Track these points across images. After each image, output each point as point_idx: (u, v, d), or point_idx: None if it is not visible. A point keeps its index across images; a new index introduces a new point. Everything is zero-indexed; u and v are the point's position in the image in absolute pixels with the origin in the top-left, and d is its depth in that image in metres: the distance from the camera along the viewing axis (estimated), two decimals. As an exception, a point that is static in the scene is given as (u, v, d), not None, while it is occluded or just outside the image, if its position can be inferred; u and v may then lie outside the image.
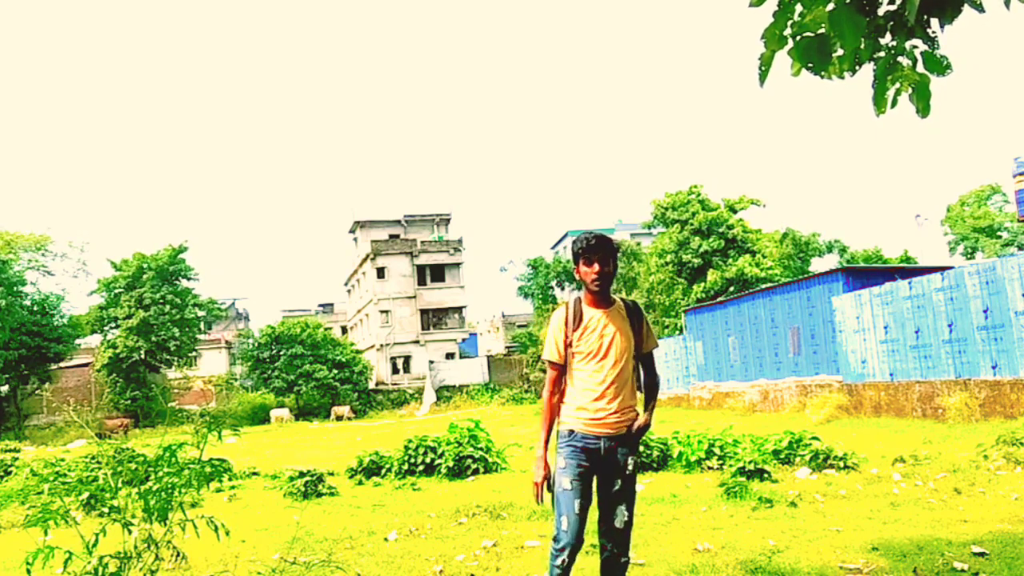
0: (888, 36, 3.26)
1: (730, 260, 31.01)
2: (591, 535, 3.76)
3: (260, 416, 39.05)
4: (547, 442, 3.81)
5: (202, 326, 44.14)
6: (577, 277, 3.81)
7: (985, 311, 13.67)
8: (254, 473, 11.78)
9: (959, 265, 18.07)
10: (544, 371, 4.02)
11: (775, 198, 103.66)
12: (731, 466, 8.77)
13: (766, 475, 8.46)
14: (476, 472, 10.29)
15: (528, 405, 33.95)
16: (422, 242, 51.80)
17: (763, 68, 3.36)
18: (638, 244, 45.54)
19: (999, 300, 13.36)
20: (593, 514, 3.72)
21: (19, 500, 9.14)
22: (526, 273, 54.54)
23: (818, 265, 40.88)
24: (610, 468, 3.70)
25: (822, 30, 3.21)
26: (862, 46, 3.26)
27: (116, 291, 38.91)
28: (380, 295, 50.20)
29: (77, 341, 39.25)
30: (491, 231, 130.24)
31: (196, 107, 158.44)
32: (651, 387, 3.88)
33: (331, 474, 10.60)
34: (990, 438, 9.36)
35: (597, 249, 3.70)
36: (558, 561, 3.62)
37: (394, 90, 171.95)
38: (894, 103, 3.33)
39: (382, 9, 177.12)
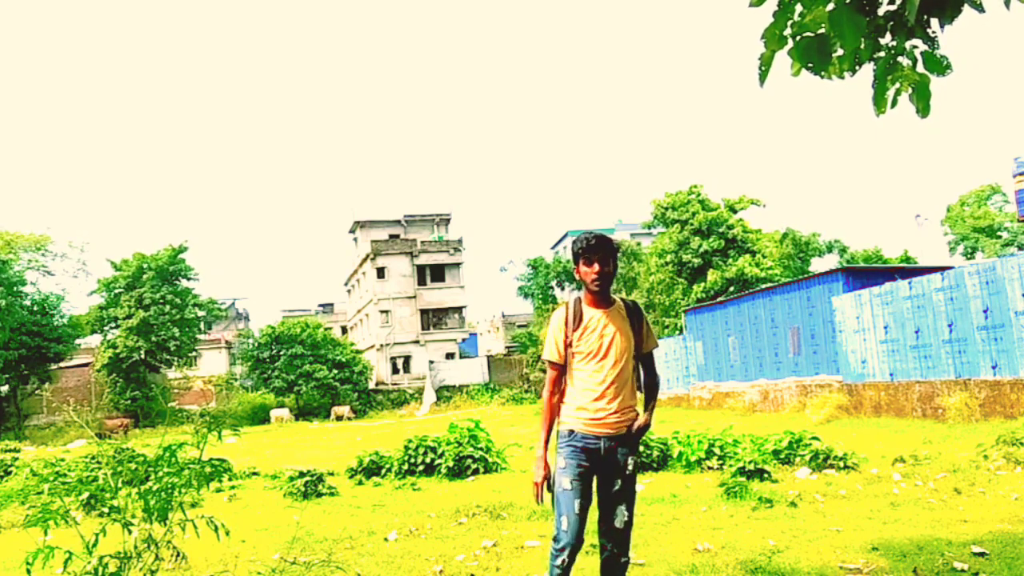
0: (888, 36, 3.26)
1: (730, 260, 31.01)
2: (591, 535, 3.76)
3: (260, 416, 39.05)
4: (547, 442, 3.82)
5: (202, 326, 44.14)
6: (577, 277, 3.81)
7: (985, 311, 13.67)
8: (254, 473, 11.78)
9: (959, 265, 18.07)
10: (544, 371, 4.02)
11: (775, 198, 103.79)
12: (731, 466, 8.77)
13: (766, 475, 8.46)
14: (476, 472, 10.29)
15: (528, 405, 33.95)
16: (422, 242, 51.80)
17: (763, 68, 3.36)
18: (638, 244, 45.53)
19: (999, 300, 13.36)
20: (593, 514, 3.72)
21: (19, 500, 9.14)
22: (526, 273, 54.57)
23: (818, 265, 40.91)
24: (610, 468, 3.70)
25: (822, 30, 3.21)
26: (862, 46, 3.26)
27: (116, 291, 38.91)
28: (380, 295, 50.20)
29: (77, 341, 39.24)
30: (491, 231, 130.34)
31: (196, 107, 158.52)
32: (651, 387, 3.88)
33: (331, 474, 10.60)
34: (990, 438, 9.36)
35: (597, 249, 3.70)
36: (558, 561, 3.62)
37: (394, 90, 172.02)
38: (894, 103, 3.33)
39: (382, 9, 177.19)
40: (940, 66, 3.21)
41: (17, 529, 7.75)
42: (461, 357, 50.04)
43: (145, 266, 38.68)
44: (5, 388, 36.69)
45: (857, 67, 3.35)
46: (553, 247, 66.84)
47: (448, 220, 54.73)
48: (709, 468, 9.45)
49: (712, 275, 30.43)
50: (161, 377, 42.83)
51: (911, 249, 42.46)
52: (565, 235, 63.28)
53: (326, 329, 44.99)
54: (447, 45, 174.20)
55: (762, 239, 32.99)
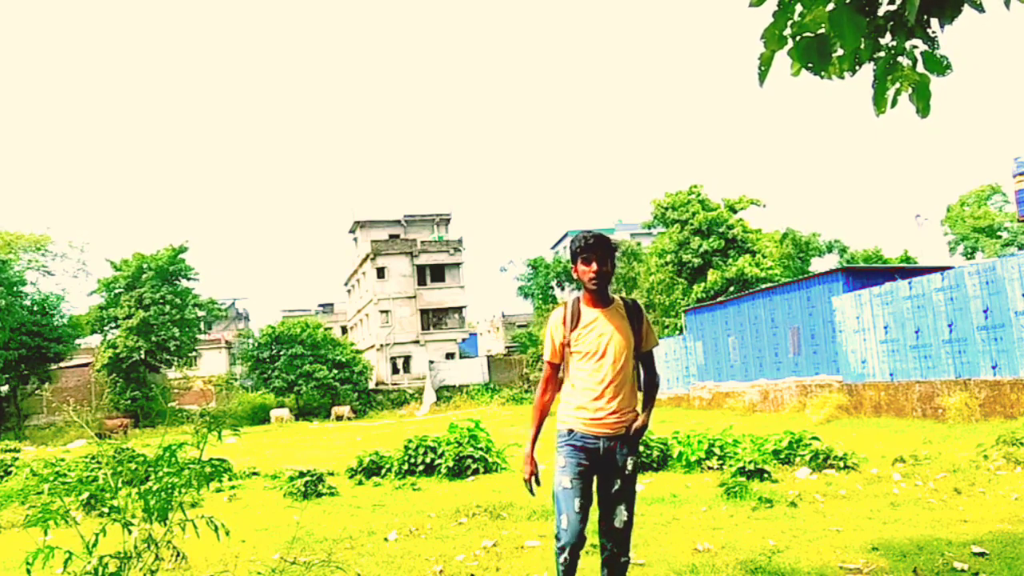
0: (888, 36, 3.26)
1: (730, 260, 31.01)
2: (592, 534, 3.76)
3: (260, 416, 39.04)
4: (535, 439, 3.87)
5: (202, 326, 44.14)
6: (575, 276, 3.80)
7: (985, 311, 13.67)
8: (254, 473, 11.77)
9: (959, 265, 18.07)
10: (545, 371, 4.02)
11: (775, 198, 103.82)
12: (731, 466, 8.76)
13: (766, 475, 8.45)
14: (476, 472, 10.28)
15: (528, 405, 33.92)
16: (422, 242, 51.79)
17: (763, 68, 3.36)
18: (638, 244, 45.51)
19: (999, 300, 13.36)
20: (594, 514, 3.72)
21: (19, 500, 9.13)
22: (526, 273, 54.58)
23: (818, 265, 40.92)
24: (609, 468, 3.69)
25: (822, 30, 3.21)
26: (862, 46, 3.26)
27: (116, 291, 38.91)
28: (380, 295, 50.20)
29: (77, 341, 39.23)
30: (491, 231, 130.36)
31: (196, 107, 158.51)
32: (651, 386, 3.88)
33: (331, 474, 10.59)
34: (990, 438, 9.35)
35: (595, 248, 3.69)
36: (560, 559, 3.63)
37: (394, 90, 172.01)
38: (894, 103, 3.33)
39: (382, 9, 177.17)
40: (940, 66, 3.21)
41: (17, 529, 7.75)
42: (461, 357, 50.04)
43: (145, 266, 38.67)
44: (5, 388, 36.68)
45: (857, 67, 3.35)
46: (553, 247, 66.83)
47: (448, 220, 54.73)
48: (709, 468, 9.45)
49: (712, 275, 30.44)
50: (161, 377, 42.82)
51: (911, 249, 42.50)
52: (565, 235, 63.26)
53: (326, 329, 44.98)
54: (447, 45, 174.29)
55: (762, 239, 33.00)
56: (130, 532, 3.94)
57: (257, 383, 43.94)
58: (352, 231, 55.92)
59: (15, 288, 36.14)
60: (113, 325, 38.79)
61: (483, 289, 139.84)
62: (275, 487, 10.17)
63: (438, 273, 51.54)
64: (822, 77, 3.33)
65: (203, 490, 4.70)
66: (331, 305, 68.93)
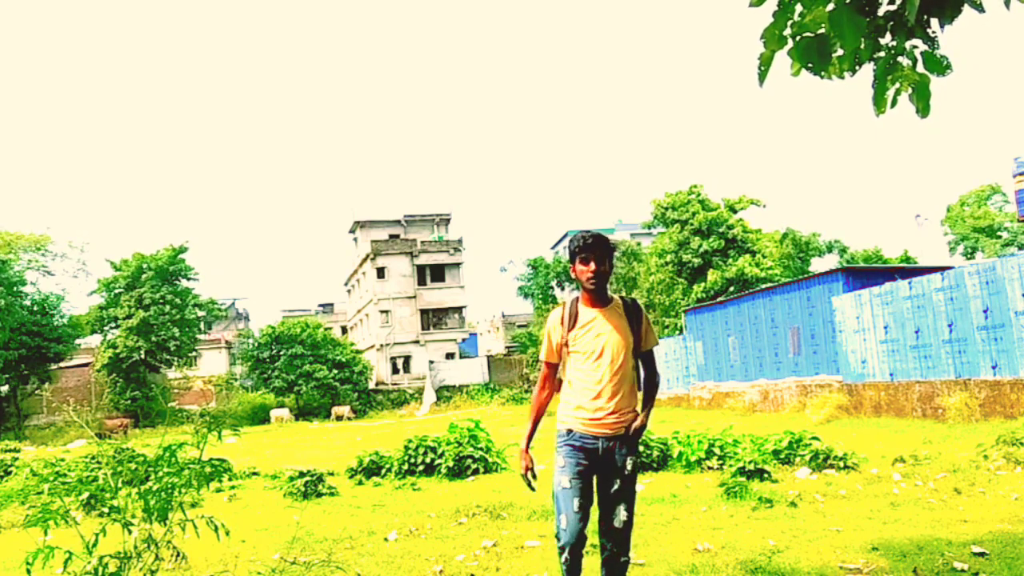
0: (888, 36, 3.26)
1: (730, 260, 31.02)
2: (592, 534, 3.76)
3: (260, 416, 39.05)
4: (531, 435, 3.89)
5: (202, 326, 44.15)
6: (573, 276, 3.80)
7: (985, 311, 13.67)
8: (254, 473, 11.77)
9: (959, 265, 18.07)
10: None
11: (775, 198, 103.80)
12: (731, 466, 8.76)
13: (766, 475, 8.45)
14: (476, 472, 10.28)
15: (528, 405, 33.76)
16: (422, 242, 51.80)
17: (763, 68, 3.36)
18: (638, 244, 45.52)
19: (999, 300, 13.36)
20: (594, 514, 3.72)
21: (19, 500, 9.13)
22: (526, 273, 54.59)
23: (818, 265, 40.92)
24: (609, 468, 3.69)
25: (822, 30, 3.21)
26: (862, 46, 3.26)
27: (116, 291, 38.92)
28: (380, 295, 50.20)
29: (77, 341, 39.24)
30: (491, 231, 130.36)
31: (196, 107, 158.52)
32: (651, 386, 3.87)
33: (331, 474, 10.59)
34: (990, 438, 9.35)
35: (593, 248, 3.68)
36: (562, 559, 3.63)
37: (394, 90, 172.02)
38: (894, 103, 3.33)
39: (382, 9, 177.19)
40: (940, 66, 3.21)
41: (17, 529, 7.75)
42: (461, 357, 50.04)
43: (145, 266, 38.68)
44: (5, 388, 36.69)
45: (857, 67, 3.35)
46: (553, 247, 66.83)
47: (448, 220, 54.73)
48: (709, 468, 9.45)
49: (712, 275, 30.44)
50: (161, 377, 42.82)
51: (911, 249, 42.51)
52: (565, 235, 63.21)
53: (326, 329, 44.99)
54: (447, 45, 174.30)
55: (762, 239, 33.00)
56: (130, 532, 3.94)
57: (257, 383, 43.95)
58: (352, 231, 55.93)
59: (15, 288, 36.15)
60: (113, 325, 38.80)
61: (483, 289, 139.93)
62: (275, 487, 10.17)
63: (438, 273, 51.55)
64: (822, 77, 3.33)
65: (203, 490, 4.70)
66: (331, 305, 68.94)
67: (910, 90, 3.27)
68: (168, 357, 39.91)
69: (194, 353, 44.20)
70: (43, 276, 42.13)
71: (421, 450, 10.62)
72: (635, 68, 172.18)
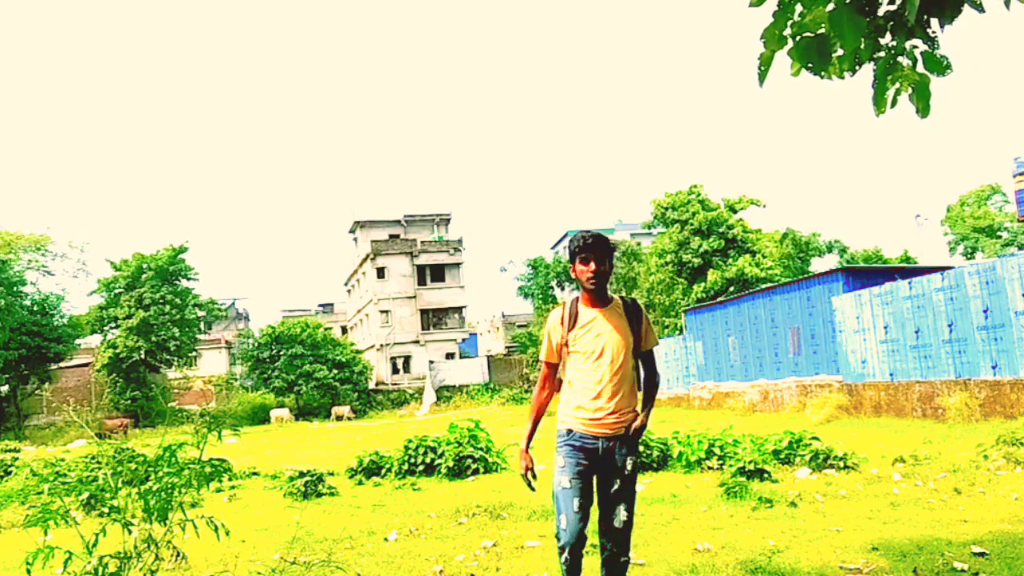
0: (888, 36, 3.26)
1: (730, 260, 31.02)
2: (592, 534, 3.76)
3: (260, 416, 39.05)
4: (531, 435, 3.90)
5: (202, 326, 44.14)
6: (574, 276, 3.80)
7: (985, 311, 13.67)
8: (254, 473, 11.77)
9: (959, 265, 18.07)
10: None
11: (775, 198, 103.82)
12: (731, 466, 8.76)
13: (766, 475, 8.45)
14: (476, 472, 10.28)
15: (528, 405, 33.75)
16: (422, 242, 51.80)
17: (763, 68, 3.36)
18: (638, 244, 45.52)
19: (999, 300, 13.36)
20: (594, 514, 3.72)
21: (19, 500, 9.13)
22: (526, 273, 54.59)
23: (818, 265, 40.92)
24: (609, 468, 3.69)
25: (822, 30, 3.21)
26: (862, 46, 3.26)
27: (116, 291, 38.92)
28: (380, 295, 50.20)
29: (77, 341, 39.24)
30: (491, 231, 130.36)
31: (196, 107, 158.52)
32: (651, 386, 3.87)
33: (331, 474, 10.59)
34: (990, 438, 9.35)
35: (593, 248, 3.68)
36: (562, 558, 3.63)
37: (394, 90, 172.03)
38: (894, 103, 3.33)
39: (382, 9, 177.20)
40: (940, 66, 3.21)
41: (17, 529, 7.75)
42: (461, 357, 50.05)
43: (145, 266, 38.68)
44: (5, 388, 36.69)
45: (857, 67, 3.35)
46: (553, 247, 66.84)
47: (448, 220, 54.74)
48: (709, 468, 9.44)
49: (712, 275, 30.44)
50: (161, 377, 42.83)
51: (911, 249, 42.51)
52: (565, 235, 63.21)
53: (326, 329, 44.99)
54: (447, 45, 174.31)
55: (762, 239, 33.01)
56: (130, 532, 3.94)
57: (257, 383, 43.95)
58: (352, 231, 55.93)
59: (15, 288, 36.15)
60: (113, 325, 38.81)
61: (483, 289, 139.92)
62: (275, 487, 10.17)
63: (438, 273, 51.55)
64: (822, 77, 3.33)
65: (203, 490, 4.70)
66: (331, 305, 68.94)
67: (910, 90, 3.27)
68: (168, 357, 39.91)
69: (194, 353, 44.20)
70: (43, 276, 42.20)
71: (421, 450, 10.62)
72: (635, 68, 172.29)
